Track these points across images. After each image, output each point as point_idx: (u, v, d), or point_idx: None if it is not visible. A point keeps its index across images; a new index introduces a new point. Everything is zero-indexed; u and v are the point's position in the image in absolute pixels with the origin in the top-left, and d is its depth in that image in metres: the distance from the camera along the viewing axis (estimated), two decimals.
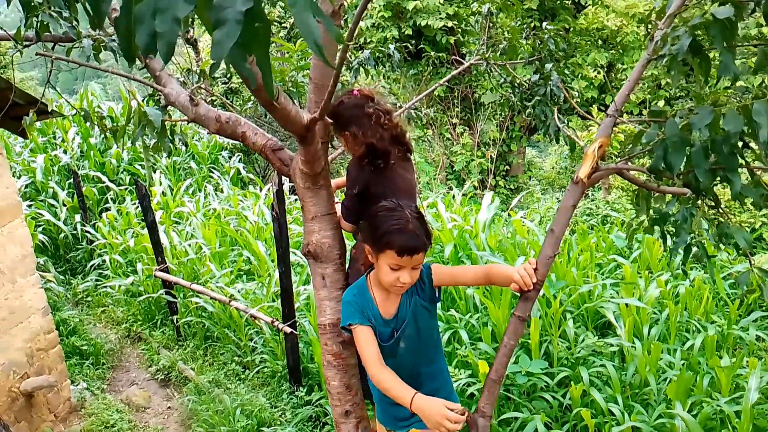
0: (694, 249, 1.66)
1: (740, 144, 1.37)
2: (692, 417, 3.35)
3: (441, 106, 12.00)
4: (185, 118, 2.14)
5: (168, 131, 2.19)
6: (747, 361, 3.99)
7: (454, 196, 8.35)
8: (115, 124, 2.53)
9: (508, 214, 7.30)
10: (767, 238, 6.58)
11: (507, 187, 12.27)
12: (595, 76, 11.06)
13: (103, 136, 9.62)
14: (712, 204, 1.48)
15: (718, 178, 1.40)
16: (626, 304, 4.43)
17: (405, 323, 1.96)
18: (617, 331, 4.38)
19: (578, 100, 10.83)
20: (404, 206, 1.86)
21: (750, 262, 1.55)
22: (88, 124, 2.67)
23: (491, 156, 11.92)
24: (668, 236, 1.80)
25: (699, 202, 1.47)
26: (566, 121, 3.29)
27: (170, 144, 2.30)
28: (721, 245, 1.49)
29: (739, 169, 1.37)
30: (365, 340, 1.90)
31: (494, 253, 5.39)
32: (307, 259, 2.18)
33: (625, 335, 4.28)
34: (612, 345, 4.29)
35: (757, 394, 3.42)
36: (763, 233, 6.46)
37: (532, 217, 6.93)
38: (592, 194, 10.37)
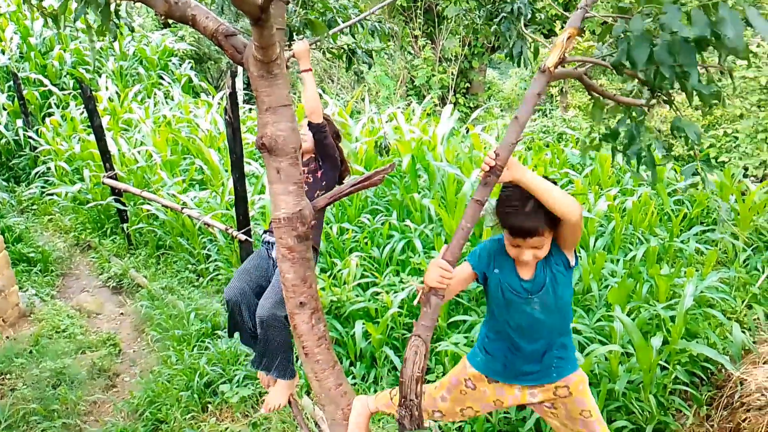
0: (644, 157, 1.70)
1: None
2: (630, 320, 3.54)
3: (403, 17, 11.61)
4: None
5: (113, 13, 2.04)
6: (685, 271, 4.21)
7: (414, 110, 8.26)
8: (54, 9, 2.33)
9: (467, 129, 7.29)
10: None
11: (466, 105, 12.18)
12: None
13: (42, 26, 8.90)
14: (666, 100, 1.49)
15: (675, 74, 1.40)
16: None
17: (543, 288, 1.91)
18: None
19: (542, 16, 10.64)
20: (523, 190, 1.78)
21: (695, 153, 1.59)
22: (25, 8, 2.46)
23: (452, 72, 11.73)
24: (617, 152, 1.85)
25: (652, 102, 1.47)
26: (530, 41, 3.19)
27: (115, 28, 2.14)
28: (673, 139, 1.51)
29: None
30: (456, 273, 1.88)
31: (451, 165, 5.41)
32: (261, 152, 2.12)
33: None
34: None
35: (691, 300, 3.62)
36: (710, 153, 6.68)
37: (490, 132, 6.94)
38: (550, 112, 10.42)
